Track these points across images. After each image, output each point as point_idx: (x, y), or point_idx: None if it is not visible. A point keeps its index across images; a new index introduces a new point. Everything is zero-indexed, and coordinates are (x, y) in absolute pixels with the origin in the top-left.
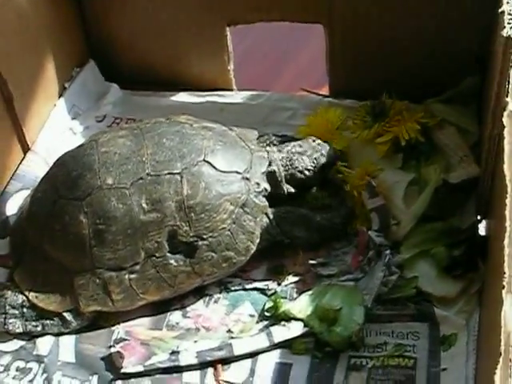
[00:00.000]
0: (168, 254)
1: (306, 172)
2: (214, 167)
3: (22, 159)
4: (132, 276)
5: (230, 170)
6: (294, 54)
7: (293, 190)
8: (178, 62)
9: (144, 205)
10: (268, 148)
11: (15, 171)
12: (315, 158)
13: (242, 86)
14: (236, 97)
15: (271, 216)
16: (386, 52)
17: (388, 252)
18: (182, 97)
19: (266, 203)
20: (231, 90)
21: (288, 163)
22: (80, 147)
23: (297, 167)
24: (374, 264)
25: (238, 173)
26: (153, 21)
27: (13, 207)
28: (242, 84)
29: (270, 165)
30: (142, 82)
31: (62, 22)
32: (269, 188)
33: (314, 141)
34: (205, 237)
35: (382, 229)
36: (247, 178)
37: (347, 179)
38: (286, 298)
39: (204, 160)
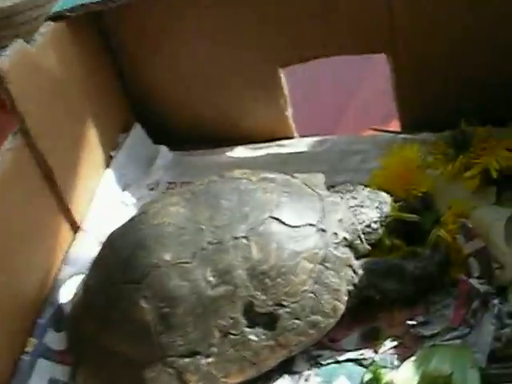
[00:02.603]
0: (246, 329)
1: (374, 224)
2: (284, 223)
3: (73, 240)
4: (209, 360)
5: (301, 224)
6: (354, 89)
7: (369, 247)
8: (229, 114)
9: (210, 278)
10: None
11: (66, 254)
12: (377, 207)
13: (303, 132)
14: (299, 145)
15: (357, 268)
16: (460, 73)
17: (496, 301)
18: (240, 152)
19: (349, 254)
20: (292, 137)
21: (353, 221)
22: (128, 223)
23: (363, 221)
24: (480, 316)
25: (311, 225)
26: (197, 73)
27: (66, 296)
28: (303, 130)
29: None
30: (192, 141)
31: (100, 86)
32: (349, 237)
33: (363, 189)
34: (285, 304)
35: (483, 275)
36: (323, 230)
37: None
38: (386, 367)
39: (270, 216)
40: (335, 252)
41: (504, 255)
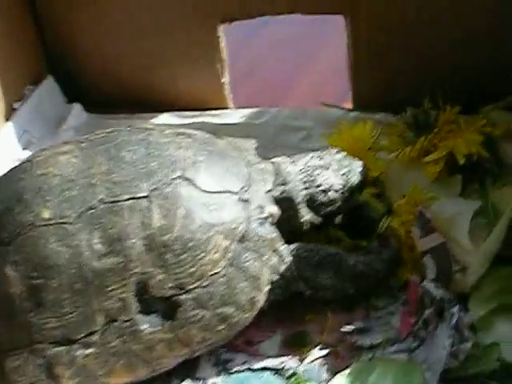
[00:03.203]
0: (137, 316)
1: (333, 193)
2: (197, 186)
3: None
4: (88, 351)
5: (219, 190)
6: (306, 62)
7: (319, 218)
8: (157, 77)
9: (97, 246)
10: (277, 159)
11: None
12: (343, 174)
13: (243, 104)
14: (234, 116)
15: (285, 254)
16: (425, 48)
17: (456, 309)
18: (164, 118)
19: (276, 234)
20: (226, 108)
21: (307, 179)
22: (8, 172)
23: (320, 185)
24: (433, 327)
25: (231, 193)
26: (124, 25)
27: None
28: (244, 102)
29: (283, 183)
30: (114, 105)
31: (8, 27)
32: (277, 213)
33: (337, 152)
34: (189, 288)
35: (440, 277)
36: (245, 200)
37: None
38: (311, 380)
39: (181, 176)
40: (259, 230)
41: (467, 255)
